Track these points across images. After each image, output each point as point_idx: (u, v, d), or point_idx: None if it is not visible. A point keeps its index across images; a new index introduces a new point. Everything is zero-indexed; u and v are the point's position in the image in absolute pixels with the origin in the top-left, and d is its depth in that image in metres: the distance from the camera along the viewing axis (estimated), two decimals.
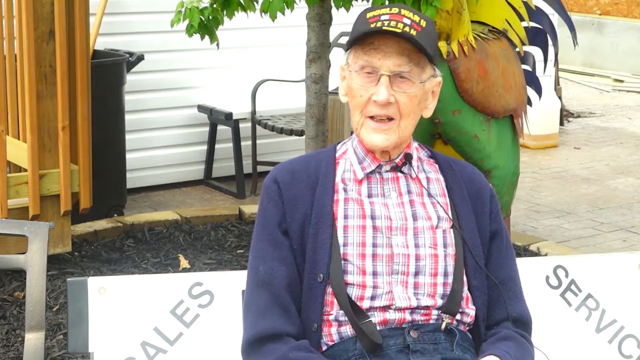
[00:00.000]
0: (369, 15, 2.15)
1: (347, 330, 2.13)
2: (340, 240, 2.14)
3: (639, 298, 2.67)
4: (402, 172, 2.21)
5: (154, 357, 2.48)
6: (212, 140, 6.41)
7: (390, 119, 2.14)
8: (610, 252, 5.28)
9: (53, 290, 4.40)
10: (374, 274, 2.13)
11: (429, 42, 2.13)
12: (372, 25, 2.12)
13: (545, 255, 4.81)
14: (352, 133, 2.27)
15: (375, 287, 2.12)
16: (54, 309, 4.23)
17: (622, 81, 11.15)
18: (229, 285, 2.47)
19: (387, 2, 4.07)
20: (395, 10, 2.14)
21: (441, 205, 2.20)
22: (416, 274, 2.13)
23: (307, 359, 2.07)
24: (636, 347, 2.66)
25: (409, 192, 2.20)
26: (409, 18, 2.12)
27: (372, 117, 2.15)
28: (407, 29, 2.10)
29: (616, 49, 11.75)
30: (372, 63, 2.13)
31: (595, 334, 2.65)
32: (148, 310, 2.49)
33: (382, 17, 2.12)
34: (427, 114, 2.21)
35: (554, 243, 5.32)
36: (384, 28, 2.10)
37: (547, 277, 2.62)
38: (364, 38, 2.13)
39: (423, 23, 2.13)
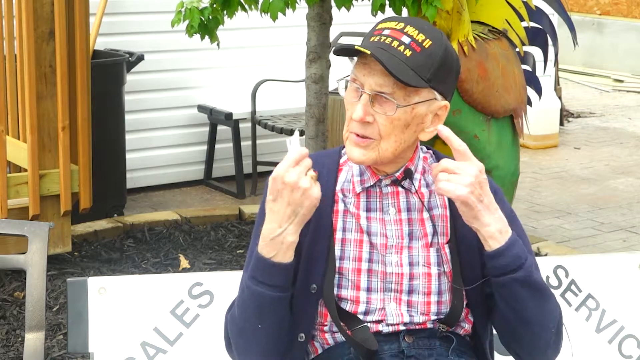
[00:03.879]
0: (378, 26, 2.09)
1: (342, 335, 2.11)
2: (337, 253, 2.11)
3: (639, 298, 2.67)
4: (402, 186, 2.15)
5: (154, 357, 2.48)
6: (212, 140, 6.42)
7: (368, 137, 2.07)
8: (610, 252, 5.28)
9: (53, 290, 4.40)
10: (368, 290, 2.10)
11: (427, 64, 2.02)
12: (373, 39, 2.05)
13: (545, 255, 4.81)
14: None
15: (368, 303, 2.10)
16: (54, 309, 4.23)
17: (622, 81, 11.15)
18: (229, 286, 2.47)
19: (386, 4, 4.06)
20: (400, 25, 2.06)
21: (439, 219, 2.15)
22: (409, 292, 2.10)
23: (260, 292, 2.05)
24: (636, 347, 2.66)
25: (409, 209, 2.14)
26: (410, 36, 2.03)
27: (355, 133, 2.08)
28: (401, 48, 2.02)
29: (616, 49, 11.76)
30: (359, 78, 2.06)
31: (595, 334, 2.65)
32: (148, 310, 2.49)
33: (384, 32, 2.05)
34: (425, 137, 2.11)
35: (554, 243, 5.32)
36: (355, 47, 2.02)
37: (547, 277, 2.62)
38: (341, 52, 2.07)
39: (427, 43, 2.03)
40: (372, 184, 2.14)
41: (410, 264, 2.11)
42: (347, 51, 2.07)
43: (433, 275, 2.11)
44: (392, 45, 2.03)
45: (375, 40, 2.05)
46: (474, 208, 2.00)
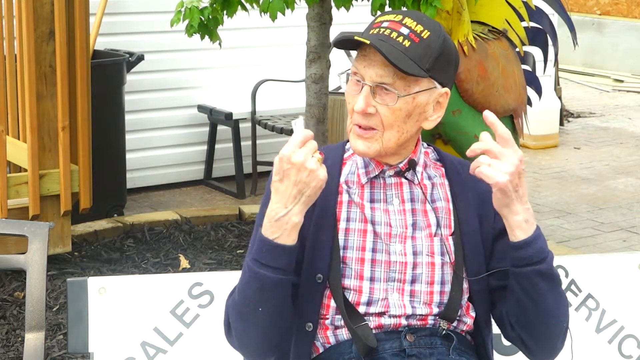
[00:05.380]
0: (377, 19, 2.12)
1: (343, 333, 2.12)
2: (341, 242, 2.13)
3: (639, 298, 2.67)
4: (405, 177, 2.18)
5: (154, 357, 2.48)
6: (212, 140, 6.42)
7: (373, 128, 2.10)
8: (610, 252, 5.28)
9: (53, 290, 4.40)
10: (371, 279, 2.11)
11: (426, 54, 2.05)
12: (372, 32, 2.08)
13: None
14: None
15: (371, 292, 2.11)
16: (54, 309, 4.23)
17: (622, 81, 11.15)
18: (229, 285, 2.46)
19: (387, 3, 4.06)
20: (398, 17, 2.09)
21: (442, 211, 2.17)
22: (412, 281, 2.12)
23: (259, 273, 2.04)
24: (636, 347, 2.66)
25: (412, 199, 2.17)
26: (408, 27, 2.07)
27: (357, 125, 2.11)
28: (400, 39, 2.04)
29: (616, 49, 11.76)
30: (359, 71, 2.09)
31: (595, 334, 2.65)
32: (148, 310, 2.49)
33: (383, 24, 2.08)
34: (428, 125, 2.14)
35: (554, 243, 5.32)
36: (355, 37, 2.04)
37: None
38: (341, 44, 2.10)
39: (425, 34, 2.07)
40: (376, 174, 2.17)
41: (414, 253, 2.13)
42: (346, 44, 2.10)
43: (436, 264, 2.13)
44: (391, 36, 2.06)
45: (375, 32, 2.08)
46: (509, 196, 2.03)
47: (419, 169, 2.18)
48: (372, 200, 2.17)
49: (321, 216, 2.12)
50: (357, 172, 2.19)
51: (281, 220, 2.01)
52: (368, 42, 2.03)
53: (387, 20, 2.09)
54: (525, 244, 2.05)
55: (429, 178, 2.20)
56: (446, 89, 2.14)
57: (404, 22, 2.08)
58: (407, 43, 2.05)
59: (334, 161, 2.21)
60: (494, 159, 2.01)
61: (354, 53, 2.16)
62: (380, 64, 2.05)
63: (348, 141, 2.24)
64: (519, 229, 2.05)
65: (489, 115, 2.05)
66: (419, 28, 2.07)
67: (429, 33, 2.07)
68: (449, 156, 2.27)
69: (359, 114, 2.09)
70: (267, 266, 2.03)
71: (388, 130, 2.09)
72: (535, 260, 2.06)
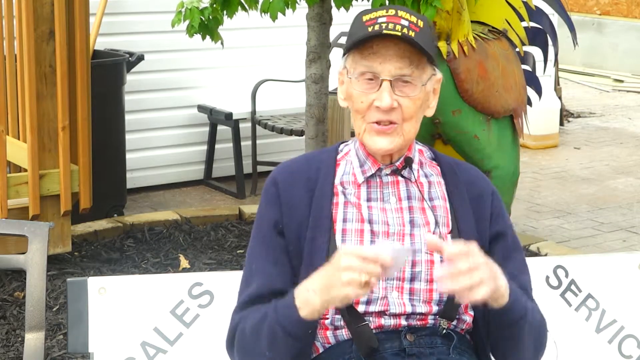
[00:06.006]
0: (365, 18, 2.12)
1: (343, 333, 2.12)
2: (338, 243, 2.12)
3: (639, 298, 2.67)
4: (402, 176, 2.18)
5: (154, 357, 2.48)
6: (212, 140, 6.42)
7: (393, 122, 2.10)
8: (610, 252, 5.28)
9: (53, 290, 4.40)
10: None
11: (428, 42, 2.10)
12: (370, 29, 2.08)
13: (545, 255, 4.81)
14: (352, 134, 2.24)
15: (370, 291, 2.09)
16: (54, 309, 4.23)
17: (622, 81, 11.15)
18: (229, 286, 2.47)
19: (387, 3, 4.07)
20: (392, 12, 2.11)
21: (440, 210, 2.17)
22: (412, 279, 2.11)
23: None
24: (636, 347, 2.66)
25: (409, 197, 2.17)
26: (406, 19, 2.09)
27: (376, 122, 2.11)
28: (405, 30, 2.06)
29: (616, 49, 11.75)
30: (372, 68, 2.09)
31: (595, 334, 2.65)
32: (148, 310, 2.49)
33: (380, 20, 2.09)
34: (430, 112, 2.18)
35: (554, 243, 5.32)
36: (384, 32, 2.06)
37: (547, 277, 2.62)
38: (363, 42, 2.10)
39: (420, 23, 2.10)
40: (373, 172, 2.17)
41: (413, 252, 2.12)
42: (358, 41, 2.09)
43: (436, 262, 2.12)
44: (397, 29, 2.07)
45: (377, 28, 2.08)
46: (498, 290, 1.99)
47: (415, 166, 2.19)
48: (369, 199, 2.17)
49: (317, 219, 2.12)
50: (352, 171, 2.19)
51: (309, 298, 1.98)
52: (400, 34, 2.04)
53: (382, 16, 2.11)
54: (504, 311, 2.04)
55: (426, 176, 2.21)
56: (439, 76, 2.18)
57: (399, 14, 2.10)
58: (412, 33, 2.07)
59: (327, 163, 2.21)
60: (468, 274, 1.90)
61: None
62: (396, 56, 2.08)
63: (341, 143, 2.25)
64: (501, 297, 2.01)
65: (431, 244, 1.96)
66: (414, 19, 2.11)
67: (422, 22, 2.12)
68: (444, 156, 2.29)
69: (382, 111, 2.09)
70: (285, 330, 2.02)
71: (407, 122, 2.11)
72: (516, 320, 2.07)
